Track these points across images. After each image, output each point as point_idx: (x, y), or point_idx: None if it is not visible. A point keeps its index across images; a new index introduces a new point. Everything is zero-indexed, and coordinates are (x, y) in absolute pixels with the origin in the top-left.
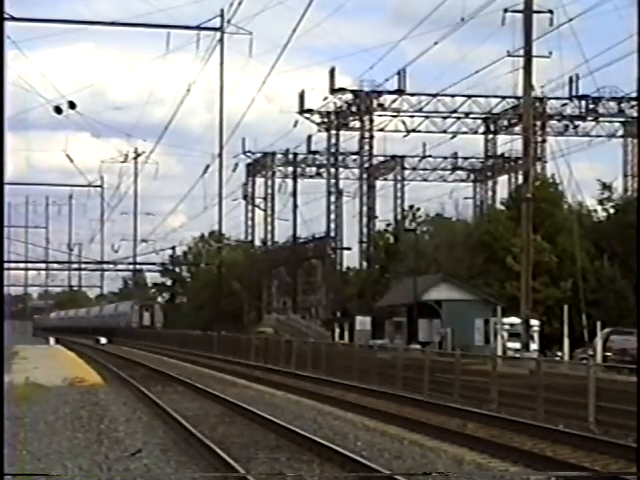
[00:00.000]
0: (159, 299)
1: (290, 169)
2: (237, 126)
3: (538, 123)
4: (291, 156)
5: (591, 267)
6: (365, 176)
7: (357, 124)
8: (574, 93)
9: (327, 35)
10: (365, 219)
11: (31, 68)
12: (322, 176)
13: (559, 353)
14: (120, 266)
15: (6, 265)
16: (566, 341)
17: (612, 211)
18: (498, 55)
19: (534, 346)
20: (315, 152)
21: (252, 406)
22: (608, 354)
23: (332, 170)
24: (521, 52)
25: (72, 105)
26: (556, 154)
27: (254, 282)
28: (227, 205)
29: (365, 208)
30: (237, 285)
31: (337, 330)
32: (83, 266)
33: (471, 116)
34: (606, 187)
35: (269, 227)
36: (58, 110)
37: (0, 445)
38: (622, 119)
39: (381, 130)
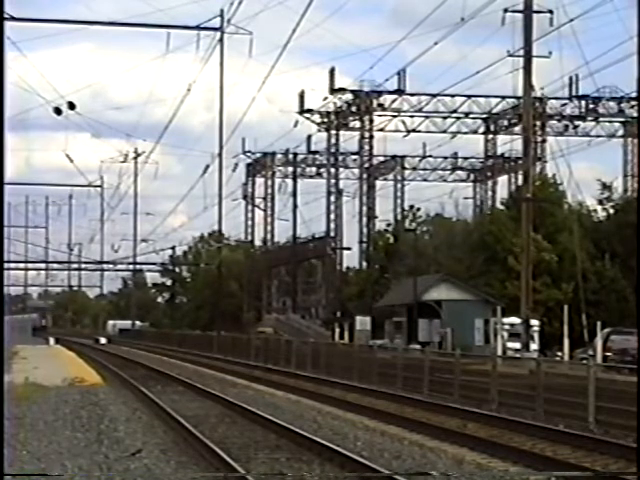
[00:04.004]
0: (159, 299)
1: (290, 169)
2: (237, 126)
3: (538, 123)
4: (291, 156)
5: (592, 267)
6: (365, 176)
7: (357, 124)
8: (574, 93)
9: (327, 35)
10: (365, 219)
11: (31, 68)
12: (322, 176)
13: (559, 353)
14: (120, 266)
15: (6, 265)
16: (566, 341)
17: (612, 211)
18: (498, 55)
19: (534, 346)
20: (315, 152)
21: (252, 406)
22: (608, 354)
23: (332, 170)
24: (521, 52)
25: (72, 106)
26: (556, 154)
27: (254, 282)
28: (227, 205)
29: (365, 208)
30: (237, 285)
31: (337, 330)
32: (83, 266)
33: (471, 116)
34: (606, 187)
35: (269, 227)
36: (58, 111)
37: (0, 445)
38: (622, 119)
39: (381, 130)
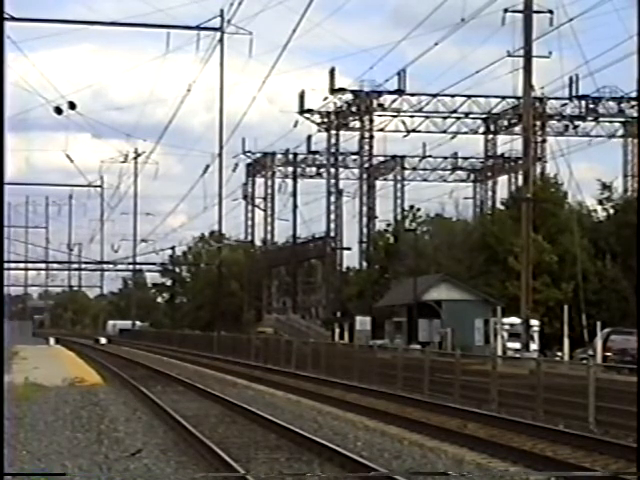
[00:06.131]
0: (159, 299)
1: (290, 169)
2: (237, 126)
3: (538, 123)
4: (291, 156)
5: (593, 267)
6: (365, 176)
7: (357, 124)
8: (574, 93)
9: (327, 36)
10: (365, 219)
11: (31, 69)
12: (322, 176)
13: (559, 353)
14: (120, 266)
15: (6, 265)
16: (566, 341)
17: (612, 211)
18: (498, 55)
19: (534, 346)
20: (315, 152)
21: (252, 406)
22: (608, 354)
23: (332, 170)
24: (521, 52)
25: (72, 105)
26: (556, 154)
27: (254, 282)
28: (227, 205)
29: (365, 208)
30: (237, 285)
31: (337, 330)
32: (83, 266)
33: (471, 116)
34: (606, 187)
35: (269, 227)
36: (58, 110)
37: (0, 445)
38: (622, 119)
39: (381, 130)
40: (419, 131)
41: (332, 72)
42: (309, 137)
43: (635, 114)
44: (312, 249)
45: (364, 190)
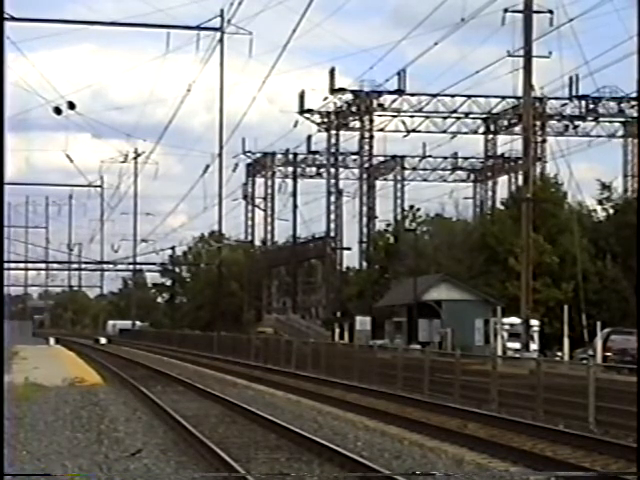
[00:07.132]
0: (159, 299)
1: (290, 169)
2: (237, 126)
3: (538, 123)
4: (291, 156)
5: (593, 268)
6: (365, 176)
7: (357, 124)
8: (574, 93)
9: (327, 36)
10: (365, 219)
11: (31, 69)
12: (322, 176)
13: (559, 353)
14: (120, 266)
15: (6, 265)
16: (566, 341)
17: (612, 211)
18: (498, 55)
19: (534, 346)
20: (315, 152)
21: (252, 406)
22: (608, 354)
23: (332, 170)
24: (521, 52)
25: (71, 105)
26: (556, 154)
27: (254, 282)
28: (227, 205)
29: (365, 208)
30: (237, 285)
31: (337, 330)
32: (83, 266)
33: (471, 116)
34: (606, 187)
35: (269, 227)
36: (58, 111)
37: (0, 445)
38: (622, 119)
39: (381, 130)
40: (419, 131)
41: (332, 72)
42: (309, 137)
43: (635, 114)
44: (312, 249)
45: (364, 190)
